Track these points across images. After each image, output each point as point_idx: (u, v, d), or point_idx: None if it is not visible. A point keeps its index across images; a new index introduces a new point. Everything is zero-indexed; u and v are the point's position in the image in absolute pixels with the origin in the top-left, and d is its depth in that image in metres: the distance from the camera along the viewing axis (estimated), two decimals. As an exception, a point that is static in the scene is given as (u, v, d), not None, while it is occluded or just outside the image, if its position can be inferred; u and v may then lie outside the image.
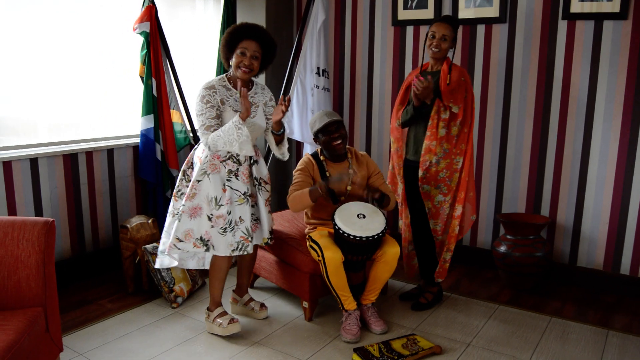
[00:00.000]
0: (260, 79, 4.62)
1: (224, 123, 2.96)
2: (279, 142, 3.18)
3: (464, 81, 3.24)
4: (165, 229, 3.14)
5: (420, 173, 3.30)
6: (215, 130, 2.92)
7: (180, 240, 2.98)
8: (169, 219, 3.13)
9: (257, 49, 2.98)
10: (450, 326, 3.30)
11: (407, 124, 3.41)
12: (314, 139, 3.30)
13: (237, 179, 3.02)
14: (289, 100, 2.96)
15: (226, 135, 2.87)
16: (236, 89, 3.04)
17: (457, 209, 3.36)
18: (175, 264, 3.19)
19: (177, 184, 3.12)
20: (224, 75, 3.08)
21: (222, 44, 3.02)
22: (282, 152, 3.23)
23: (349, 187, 3.27)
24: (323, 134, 3.21)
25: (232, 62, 2.99)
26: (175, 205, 3.09)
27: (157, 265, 3.23)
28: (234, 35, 2.98)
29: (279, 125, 3.08)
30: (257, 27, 3.02)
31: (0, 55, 3.43)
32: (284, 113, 2.96)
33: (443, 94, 3.19)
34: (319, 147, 3.36)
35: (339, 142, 3.21)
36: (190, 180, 3.06)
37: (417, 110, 3.24)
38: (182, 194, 3.08)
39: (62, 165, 3.67)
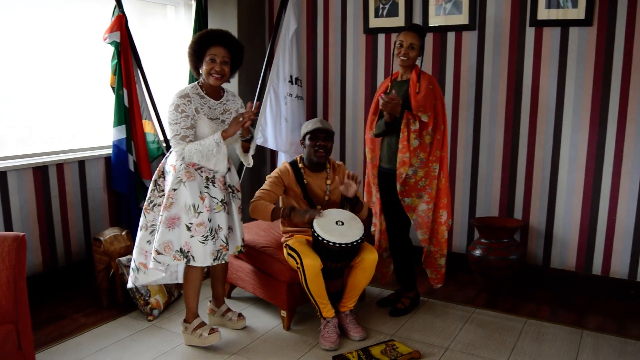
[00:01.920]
0: (233, 88, 4.62)
1: (198, 131, 2.94)
2: (246, 150, 3.17)
3: (432, 89, 3.28)
4: (136, 243, 3.07)
5: (398, 187, 3.31)
6: (190, 140, 2.89)
7: (160, 253, 2.92)
8: (139, 233, 3.06)
9: (226, 54, 2.96)
10: (428, 331, 3.32)
11: (380, 135, 3.44)
12: (301, 140, 3.34)
13: (214, 186, 2.99)
14: (258, 107, 2.95)
15: (205, 150, 2.86)
16: (209, 96, 3.02)
17: (442, 215, 3.41)
18: (152, 279, 3.14)
19: (148, 195, 3.07)
20: (196, 83, 3.04)
21: (190, 52, 2.99)
22: (248, 160, 3.21)
23: (326, 197, 3.30)
24: (310, 139, 3.24)
25: (203, 69, 2.97)
26: (147, 218, 3.04)
27: (129, 285, 3.16)
28: (201, 42, 2.95)
29: (247, 131, 3.08)
30: (223, 33, 3.01)
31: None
32: (250, 120, 2.94)
33: (413, 104, 3.22)
34: (298, 156, 3.37)
35: (322, 152, 3.24)
36: (162, 190, 3.02)
37: (388, 125, 3.29)
38: (154, 205, 3.03)
39: (32, 178, 3.60)
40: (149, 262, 2.99)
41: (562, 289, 3.95)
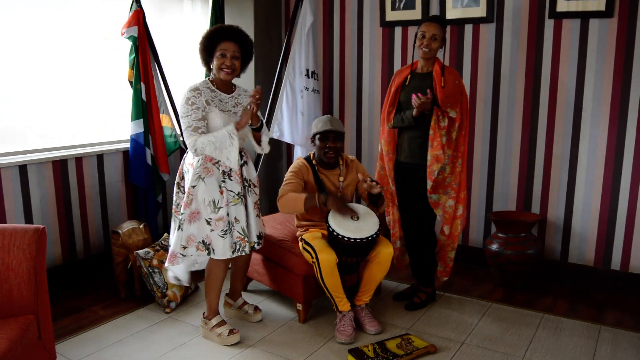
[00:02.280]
0: (250, 81, 4.63)
1: (210, 123, 2.94)
2: (258, 140, 3.15)
3: (458, 84, 3.25)
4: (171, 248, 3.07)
5: (429, 184, 3.28)
6: (202, 132, 2.90)
7: (185, 247, 2.97)
8: (174, 236, 3.07)
9: (236, 49, 2.97)
10: (444, 325, 3.31)
11: (399, 127, 3.41)
12: (311, 138, 3.32)
13: (231, 179, 3.00)
14: (260, 91, 2.94)
15: (218, 142, 2.86)
16: (220, 90, 3.03)
17: (459, 209, 3.41)
18: (185, 278, 3.20)
19: (174, 199, 3.10)
20: (207, 79, 3.05)
21: (200, 48, 3.01)
22: (263, 147, 3.19)
23: (341, 180, 3.32)
24: (320, 139, 3.23)
25: (214, 65, 2.98)
26: (177, 219, 3.06)
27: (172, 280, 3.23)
28: (211, 38, 2.97)
29: (257, 119, 3.05)
30: (233, 28, 3.02)
31: (-13, 62, 3.41)
32: (257, 105, 2.94)
33: (439, 99, 3.19)
34: (311, 152, 3.37)
35: (332, 154, 3.23)
36: (185, 192, 3.05)
37: (416, 120, 3.25)
38: (180, 206, 3.05)
39: (51, 172, 3.65)
40: (172, 258, 3.01)
41: (580, 284, 3.91)
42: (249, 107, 2.94)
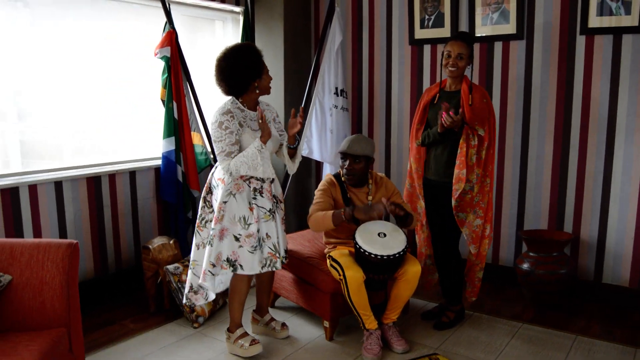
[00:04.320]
0: (280, 100, 4.69)
1: (242, 144, 2.99)
2: (292, 156, 3.21)
3: (485, 102, 3.23)
4: (190, 265, 3.13)
5: (453, 202, 3.26)
6: (235, 155, 2.94)
7: (214, 266, 2.98)
8: (193, 252, 3.12)
9: None
10: (473, 345, 3.25)
11: (426, 144, 3.40)
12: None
13: (262, 196, 3.03)
14: (303, 111, 2.99)
15: (250, 161, 2.89)
16: (249, 109, 3.07)
17: (487, 228, 3.36)
18: (212, 296, 3.21)
19: (199, 213, 3.13)
20: (233, 97, 3.06)
21: (249, 65, 2.96)
22: (293, 167, 3.25)
23: (370, 199, 3.29)
24: (341, 159, 3.28)
25: (263, 82, 3.02)
26: (202, 236, 3.09)
27: (184, 300, 3.21)
28: (259, 57, 3.01)
29: (294, 138, 3.12)
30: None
31: (26, 81, 3.53)
32: (301, 125, 3.01)
33: (467, 116, 3.17)
34: (340, 170, 3.38)
35: (350, 176, 3.25)
36: (212, 206, 3.08)
37: (441, 136, 3.24)
38: (206, 222, 3.09)
39: (85, 188, 3.74)
40: (201, 277, 3.01)
41: (614, 305, 3.81)
42: (259, 120, 2.94)
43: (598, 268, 3.88)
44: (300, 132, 3.17)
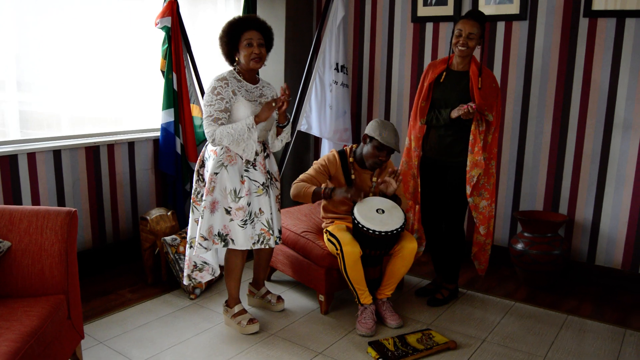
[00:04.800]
0: (279, 74, 4.67)
1: (235, 112, 2.96)
2: (279, 134, 3.15)
3: (495, 87, 3.22)
4: (189, 242, 3.11)
5: (468, 190, 3.28)
6: (222, 123, 2.91)
7: (205, 239, 2.97)
8: (191, 228, 3.10)
9: (260, 37, 2.97)
10: (466, 322, 3.30)
11: (431, 124, 3.38)
12: (365, 135, 3.22)
13: (255, 169, 3.01)
14: (288, 88, 2.94)
15: (236, 134, 2.87)
16: (246, 80, 3.04)
17: (492, 209, 3.41)
18: (218, 270, 3.22)
19: (194, 187, 3.12)
20: (232, 69, 3.06)
21: (224, 40, 2.98)
22: (275, 145, 3.17)
23: (370, 194, 3.28)
24: (376, 147, 3.16)
25: (240, 55, 2.98)
26: (199, 210, 3.06)
27: (185, 281, 3.21)
28: (234, 29, 2.96)
29: (284, 117, 3.07)
30: (252, 17, 3.03)
31: (25, 50, 3.50)
32: (287, 102, 2.94)
33: (477, 101, 3.16)
34: (348, 147, 3.37)
35: (377, 165, 3.24)
36: (205, 180, 3.08)
37: (452, 120, 3.23)
38: (201, 195, 3.07)
39: (84, 158, 3.74)
40: (195, 250, 3.01)
41: (607, 287, 3.86)
42: (274, 103, 2.91)
43: (591, 250, 3.92)
44: (293, 106, 3.10)
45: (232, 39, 2.98)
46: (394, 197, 3.23)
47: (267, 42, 3.06)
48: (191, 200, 3.12)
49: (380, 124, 3.17)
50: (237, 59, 3.03)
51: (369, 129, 3.20)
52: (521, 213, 3.95)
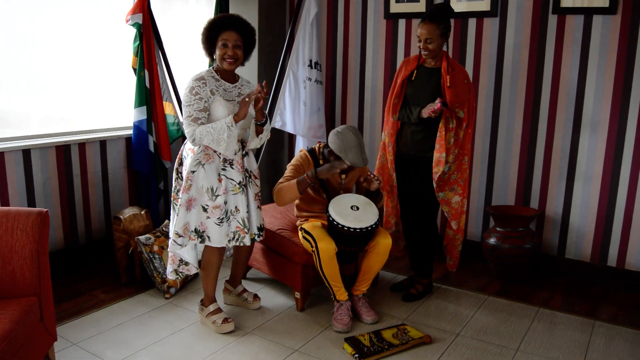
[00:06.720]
0: (253, 71, 4.65)
1: (213, 112, 2.95)
2: (259, 133, 3.10)
3: (466, 84, 3.25)
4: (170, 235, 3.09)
5: (434, 184, 3.31)
6: (202, 123, 2.90)
7: (180, 235, 2.96)
8: (171, 224, 3.11)
9: (238, 38, 2.96)
10: (440, 316, 3.34)
11: (402, 120, 3.41)
12: (328, 150, 3.21)
13: (232, 167, 3.00)
14: (267, 86, 2.93)
15: (216, 133, 2.86)
16: (224, 80, 3.04)
17: (464, 204, 3.44)
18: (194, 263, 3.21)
19: (173, 185, 3.11)
20: (211, 68, 3.06)
21: (203, 39, 3.00)
22: (254, 143, 3.11)
23: (341, 192, 3.30)
24: (334, 157, 3.18)
25: (216, 55, 2.98)
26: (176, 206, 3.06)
27: (170, 276, 3.21)
28: (212, 28, 2.96)
29: (262, 114, 3.04)
30: (233, 17, 3.01)
31: (-7, 46, 3.43)
32: (264, 99, 2.92)
33: (447, 98, 3.19)
34: (316, 146, 3.38)
35: (344, 175, 3.29)
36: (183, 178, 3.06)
37: (420, 120, 3.26)
38: (179, 192, 3.06)
39: (54, 157, 3.68)
40: (170, 244, 3.02)
41: (576, 279, 3.95)
42: (247, 99, 2.89)
43: (561, 243, 4.00)
44: (272, 109, 3.09)
45: (209, 37, 2.98)
46: (377, 192, 3.25)
47: (247, 44, 3.04)
48: (171, 198, 3.11)
49: (342, 141, 3.10)
50: (214, 57, 3.02)
51: (333, 144, 3.13)
52: (494, 208, 4.01)
